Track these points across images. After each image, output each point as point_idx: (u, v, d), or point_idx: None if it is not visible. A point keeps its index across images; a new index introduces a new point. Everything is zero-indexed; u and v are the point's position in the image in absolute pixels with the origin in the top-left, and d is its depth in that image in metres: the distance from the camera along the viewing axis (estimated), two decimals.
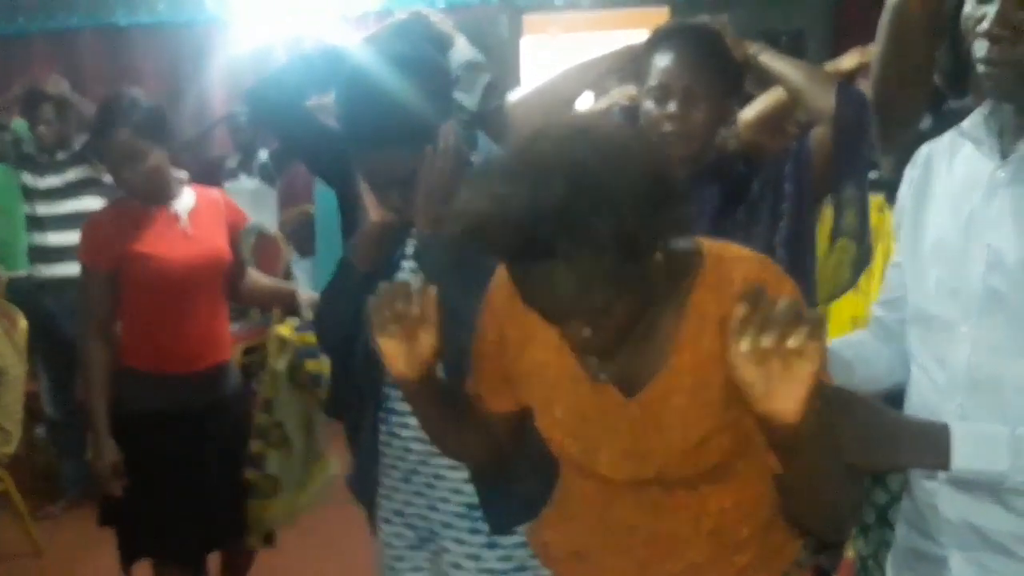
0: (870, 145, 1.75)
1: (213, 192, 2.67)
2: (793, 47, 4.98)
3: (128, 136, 2.38)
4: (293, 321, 2.52)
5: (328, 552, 2.77)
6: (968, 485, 1.24)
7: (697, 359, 1.20)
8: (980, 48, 1.19)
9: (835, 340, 1.51)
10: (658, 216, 1.05)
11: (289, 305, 2.84)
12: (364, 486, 1.92)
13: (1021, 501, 1.22)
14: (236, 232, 2.65)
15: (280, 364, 2.47)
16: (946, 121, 1.71)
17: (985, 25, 1.17)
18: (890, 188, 1.81)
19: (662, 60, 1.77)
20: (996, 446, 1.18)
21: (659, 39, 1.82)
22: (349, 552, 2.80)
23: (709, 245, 1.23)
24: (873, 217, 2.70)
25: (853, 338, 1.54)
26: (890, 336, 1.47)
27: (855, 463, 1.21)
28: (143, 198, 2.47)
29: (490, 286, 1.37)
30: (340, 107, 1.65)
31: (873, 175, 1.94)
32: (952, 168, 1.35)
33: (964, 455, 1.18)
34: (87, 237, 2.50)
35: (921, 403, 1.33)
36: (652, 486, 1.26)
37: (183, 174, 2.56)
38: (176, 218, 2.49)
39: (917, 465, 1.25)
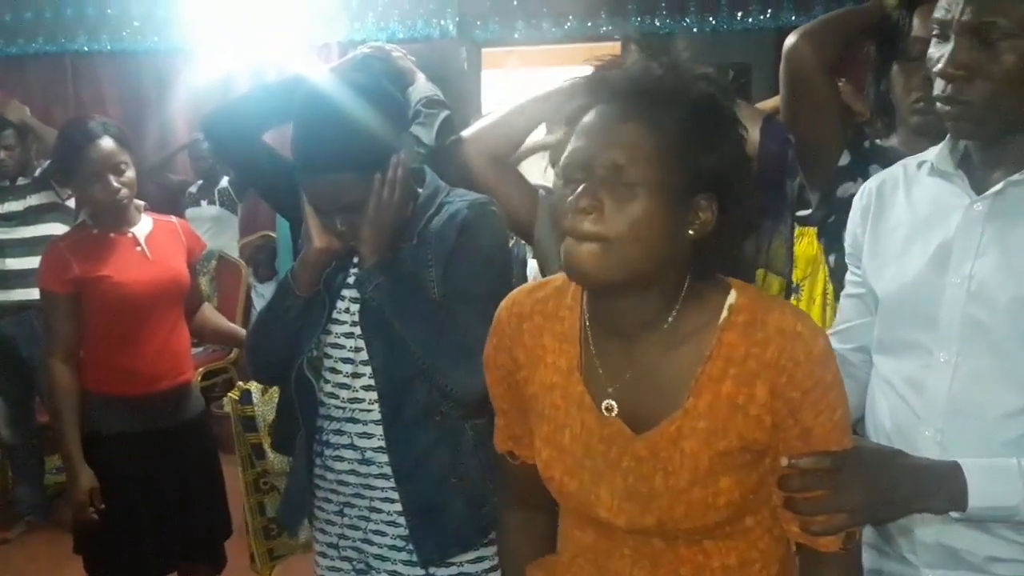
0: (794, 178, 1.82)
1: (170, 219, 2.70)
2: (739, 81, 5.17)
3: (113, 145, 2.43)
4: (236, 392, 2.55)
5: None
6: (976, 522, 1.20)
7: (715, 404, 1.12)
8: (938, 86, 1.24)
9: None
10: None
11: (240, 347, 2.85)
12: (291, 514, 1.90)
13: (1002, 526, 1.22)
14: (194, 258, 2.68)
15: (239, 427, 2.52)
16: (864, 158, 1.79)
17: (940, 65, 1.22)
18: (822, 223, 1.92)
19: None
20: (1008, 480, 1.15)
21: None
22: None
23: (738, 284, 1.17)
24: (814, 247, 2.82)
25: None
26: (845, 371, 1.45)
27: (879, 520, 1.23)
28: (111, 216, 2.49)
29: (497, 314, 1.31)
30: (293, 129, 1.64)
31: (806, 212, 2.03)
32: (911, 199, 1.37)
33: (979, 493, 1.14)
34: (46, 263, 2.50)
35: (897, 429, 1.33)
36: (653, 538, 1.18)
37: (140, 203, 2.60)
38: (135, 242, 2.52)
39: (934, 510, 1.18)
